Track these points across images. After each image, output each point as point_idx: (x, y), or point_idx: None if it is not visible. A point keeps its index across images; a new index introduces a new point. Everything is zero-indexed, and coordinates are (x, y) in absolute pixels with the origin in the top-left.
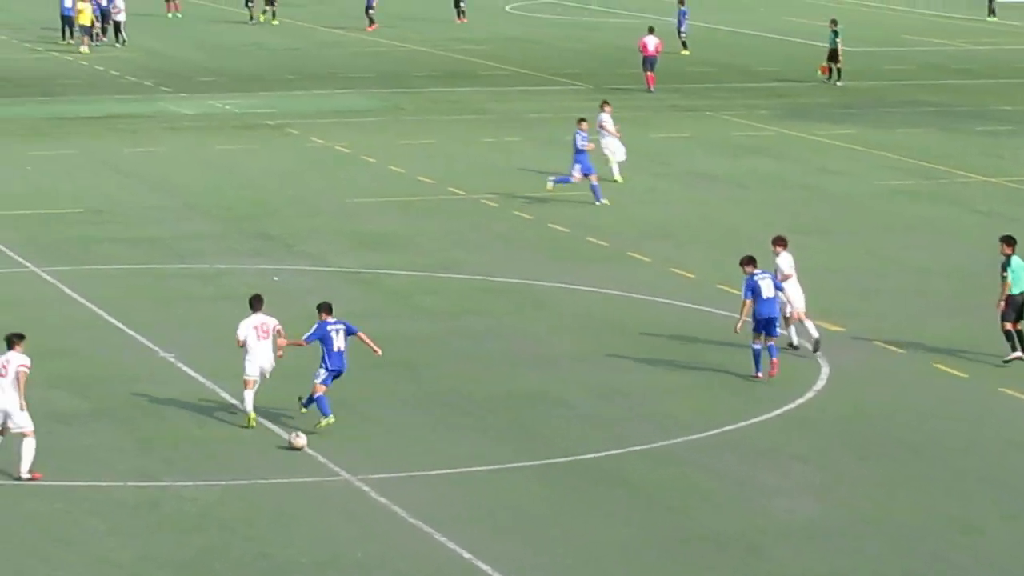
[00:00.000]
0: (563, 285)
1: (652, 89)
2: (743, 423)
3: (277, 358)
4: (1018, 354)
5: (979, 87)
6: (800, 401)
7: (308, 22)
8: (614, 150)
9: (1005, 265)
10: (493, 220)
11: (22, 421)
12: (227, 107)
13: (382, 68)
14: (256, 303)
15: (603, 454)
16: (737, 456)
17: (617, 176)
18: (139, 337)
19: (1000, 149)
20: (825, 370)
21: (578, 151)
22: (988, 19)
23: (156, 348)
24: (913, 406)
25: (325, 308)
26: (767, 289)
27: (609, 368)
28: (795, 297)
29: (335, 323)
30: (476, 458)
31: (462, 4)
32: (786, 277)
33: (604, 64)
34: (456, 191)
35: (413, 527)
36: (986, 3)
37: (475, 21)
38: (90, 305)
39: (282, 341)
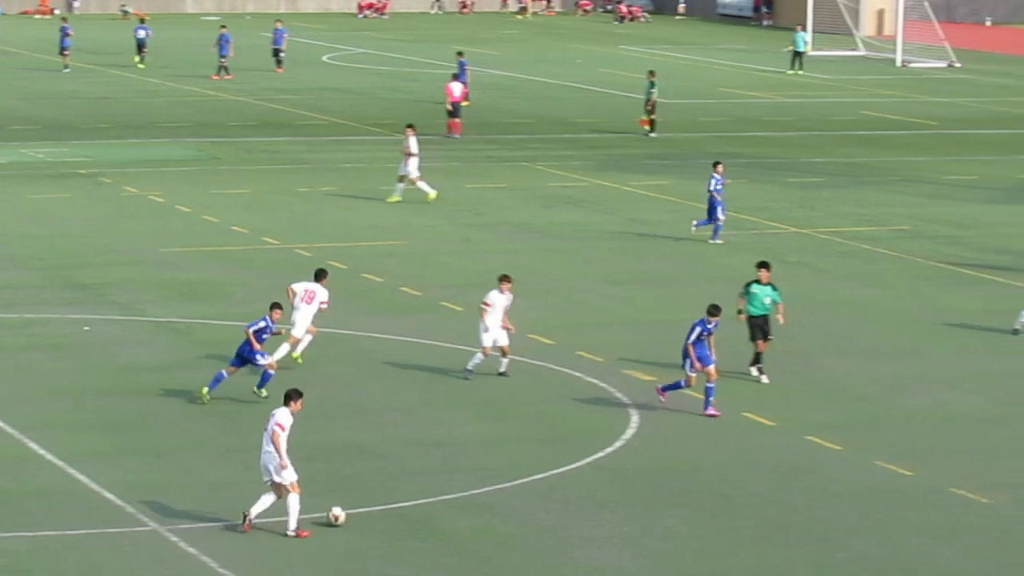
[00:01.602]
0: (377, 335)
1: (457, 135)
2: (553, 472)
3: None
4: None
5: (790, 139)
6: (610, 450)
7: (128, 72)
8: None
9: (748, 286)
10: (307, 270)
11: (286, 475)
12: (40, 156)
13: (198, 117)
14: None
15: (414, 503)
16: (547, 505)
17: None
18: None
19: (811, 200)
20: (635, 419)
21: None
22: (791, 72)
23: None
24: (723, 455)
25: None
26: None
27: (422, 418)
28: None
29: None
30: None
31: (281, 54)
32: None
33: (422, 115)
34: (270, 241)
35: None
36: (789, 58)
37: (292, 71)
38: None
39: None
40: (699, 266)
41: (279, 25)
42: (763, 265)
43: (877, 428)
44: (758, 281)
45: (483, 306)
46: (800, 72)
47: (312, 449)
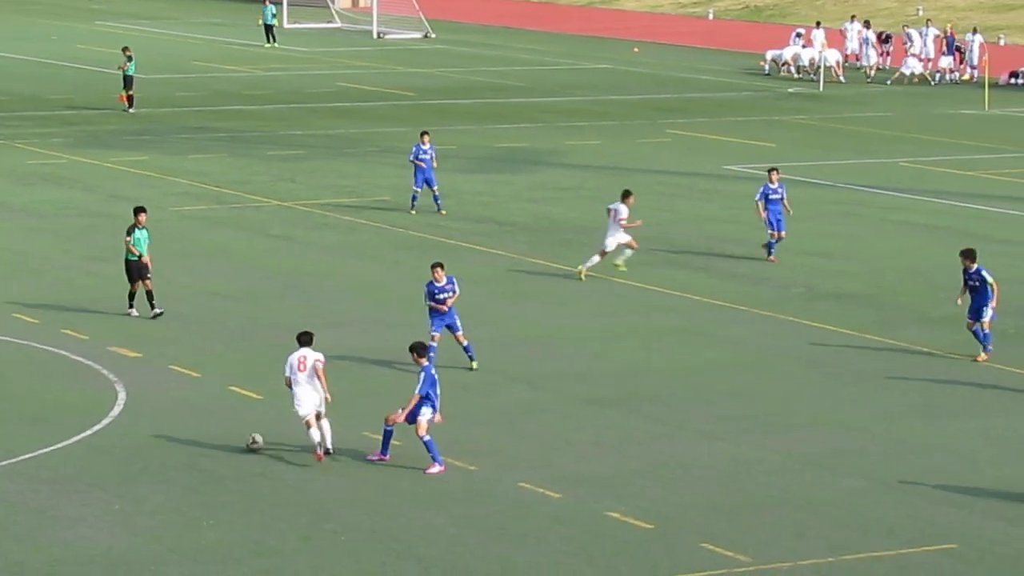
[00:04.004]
0: None
1: None
2: (41, 451)
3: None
4: (135, 312)
5: (269, 112)
6: (98, 427)
7: None
8: None
9: (129, 231)
10: None
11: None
12: None
13: None
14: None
15: None
16: (36, 485)
17: None
18: None
19: (291, 173)
20: (122, 396)
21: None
22: (268, 45)
23: None
24: (210, 430)
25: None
26: None
27: None
28: None
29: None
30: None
31: None
32: None
33: None
34: None
35: None
36: (263, 30)
37: None
38: None
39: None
40: (177, 242)
41: None
42: (141, 210)
43: (364, 400)
44: (137, 226)
45: None
46: (276, 45)
47: None
